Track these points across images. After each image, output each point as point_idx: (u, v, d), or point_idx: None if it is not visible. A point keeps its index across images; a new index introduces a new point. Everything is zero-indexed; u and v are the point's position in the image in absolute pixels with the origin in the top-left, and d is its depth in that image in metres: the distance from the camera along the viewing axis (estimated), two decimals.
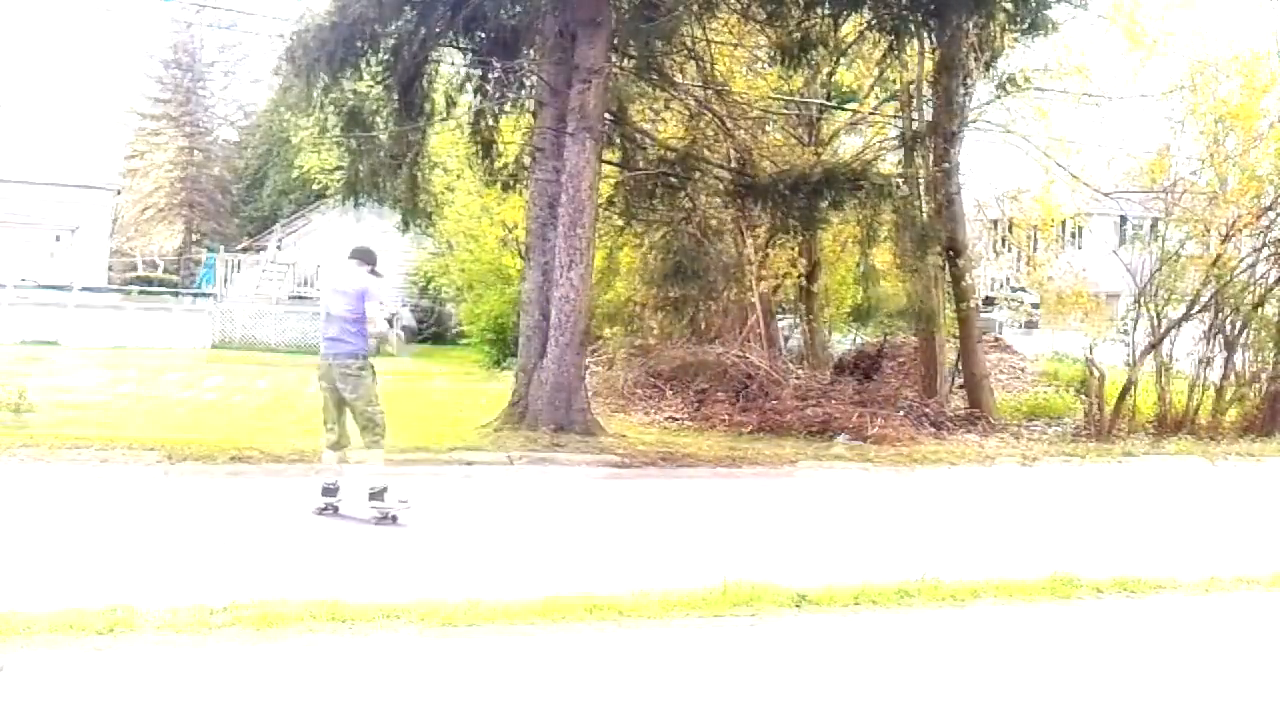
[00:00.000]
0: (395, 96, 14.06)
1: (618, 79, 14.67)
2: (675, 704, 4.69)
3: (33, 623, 5.02)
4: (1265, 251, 15.90)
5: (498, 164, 15.24)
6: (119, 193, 41.82)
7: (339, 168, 29.05)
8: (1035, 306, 29.85)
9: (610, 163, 15.47)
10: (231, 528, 7.75)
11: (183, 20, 52.24)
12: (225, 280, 33.21)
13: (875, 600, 6.17)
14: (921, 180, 16.31)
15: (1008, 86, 16.25)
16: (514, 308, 18.53)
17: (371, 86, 14.21)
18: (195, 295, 33.30)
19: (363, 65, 13.63)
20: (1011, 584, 6.58)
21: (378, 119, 14.24)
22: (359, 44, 13.06)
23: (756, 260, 18.48)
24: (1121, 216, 23.50)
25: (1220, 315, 15.91)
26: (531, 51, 14.24)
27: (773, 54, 16.43)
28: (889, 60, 17.12)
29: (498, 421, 13.07)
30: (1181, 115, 15.90)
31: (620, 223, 16.49)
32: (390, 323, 8.42)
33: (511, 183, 15.45)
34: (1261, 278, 15.92)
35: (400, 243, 33.89)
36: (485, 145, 15.11)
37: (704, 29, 14.66)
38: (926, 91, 16.85)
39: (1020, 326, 29.91)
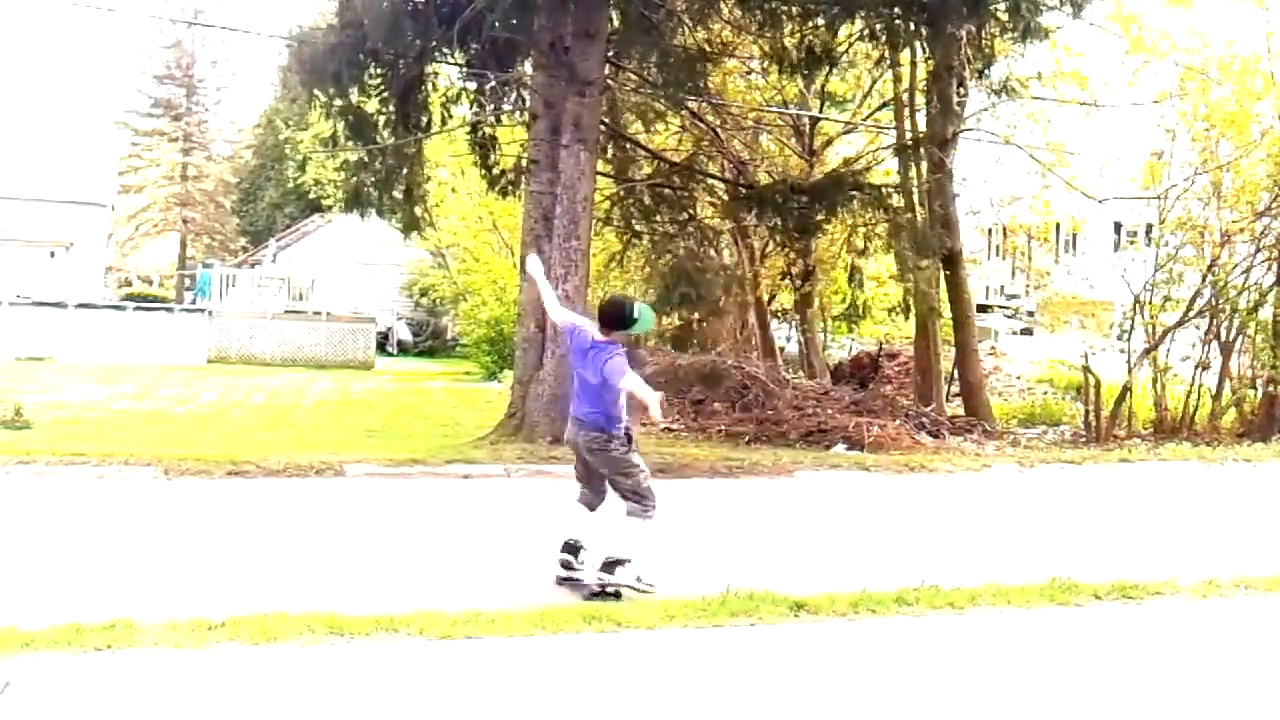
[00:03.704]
0: (393, 109, 14.11)
1: (612, 90, 14.70)
2: (674, 712, 4.69)
3: (33, 638, 5.00)
4: (1261, 256, 15.93)
5: (495, 171, 15.30)
6: (113, 208, 41.81)
7: (334, 181, 29.11)
8: (1030, 314, 29.97)
9: (606, 174, 15.50)
10: (228, 540, 7.73)
11: (174, 37, 52.60)
12: (220, 294, 33.23)
13: (874, 607, 6.16)
14: (917, 188, 16.33)
15: (1003, 94, 16.28)
16: (513, 316, 18.58)
17: (365, 100, 14.24)
18: (190, 310, 33.32)
19: (363, 79, 13.70)
20: (1010, 589, 6.58)
21: (377, 131, 14.28)
22: (361, 58, 13.12)
23: (753, 269, 18.52)
24: (1116, 223, 23.57)
25: (1216, 319, 15.93)
26: (526, 63, 14.27)
27: (765, 64, 16.50)
28: (882, 68, 17.19)
29: (494, 433, 13.06)
30: (1174, 122, 15.94)
31: (617, 236, 16.51)
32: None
33: (510, 189, 15.50)
34: (1257, 282, 15.94)
35: (397, 253, 34.02)
36: (483, 154, 15.20)
37: (698, 39, 14.69)
38: (920, 99, 16.89)
39: (1016, 333, 29.99)
